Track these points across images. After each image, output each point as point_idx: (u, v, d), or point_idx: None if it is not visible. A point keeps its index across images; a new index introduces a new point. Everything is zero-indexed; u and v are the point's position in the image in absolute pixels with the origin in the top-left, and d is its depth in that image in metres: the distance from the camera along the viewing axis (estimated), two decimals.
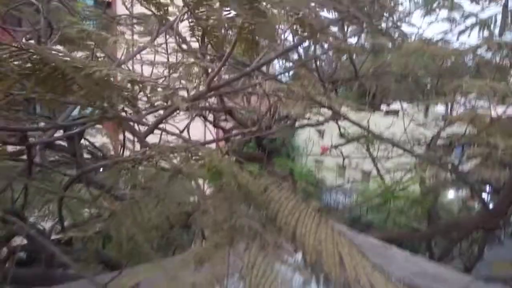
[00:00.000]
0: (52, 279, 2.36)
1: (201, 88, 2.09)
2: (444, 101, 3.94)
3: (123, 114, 1.83)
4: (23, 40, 2.59)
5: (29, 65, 0.84)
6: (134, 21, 3.71)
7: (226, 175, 1.04)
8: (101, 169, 2.49)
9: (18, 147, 2.33)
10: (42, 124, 2.98)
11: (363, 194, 10.09)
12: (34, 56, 0.84)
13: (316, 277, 1.69)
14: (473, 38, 4.89)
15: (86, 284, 1.31)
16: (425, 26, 4.70)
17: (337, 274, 0.76)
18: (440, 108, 6.82)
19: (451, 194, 7.93)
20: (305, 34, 1.81)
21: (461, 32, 4.68)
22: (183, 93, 2.64)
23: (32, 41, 2.48)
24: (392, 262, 1.70)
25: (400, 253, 1.80)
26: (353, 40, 4.37)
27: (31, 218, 3.44)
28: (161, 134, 1.82)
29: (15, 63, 0.97)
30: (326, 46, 4.70)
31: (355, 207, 9.30)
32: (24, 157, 2.23)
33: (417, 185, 5.76)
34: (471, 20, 4.53)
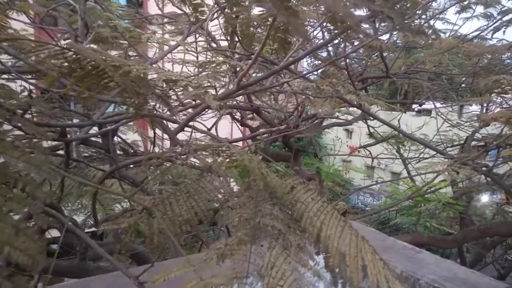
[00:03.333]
0: (85, 271, 2.46)
1: (230, 86, 2.11)
2: (479, 100, 3.80)
3: (155, 111, 1.88)
4: (62, 40, 2.70)
5: (67, 64, 0.88)
6: (165, 20, 3.78)
7: (253, 174, 1.05)
8: (133, 166, 2.56)
9: (54, 143, 2.43)
10: (76, 120, 3.10)
11: (392, 196, 9.88)
12: (75, 55, 0.88)
13: (337, 282, 1.68)
14: (510, 35, 4.67)
15: (118, 276, 1.35)
16: (460, 23, 4.53)
17: (359, 280, 0.75)
18: (475, 108, 6.58)
19: (485, 198, 7.65)
20: (336, 31, 1.79)
21: (496, 29, 4.49)
22: (212, 91, 2.68)
23: (69, 41, 2.57)
24: (422, 266, 1.66)
25: (430, 256, 1.76)
26: (384, 37, 4.29)
27: (65, 211, 3.59)
28: (191, 132, 1.86)
29: (54, 61, 1.02)
30: (356, 43, 4.64)
31: (384, 209, 9.11)
32: (59, 152, 2.33)
33: (449, 188, 5.59)
34: (508, 16, 4.34)
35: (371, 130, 5.28)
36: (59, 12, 3.43)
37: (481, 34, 4.67)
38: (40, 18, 3.09)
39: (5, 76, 2.06)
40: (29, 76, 2.28)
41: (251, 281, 0.81)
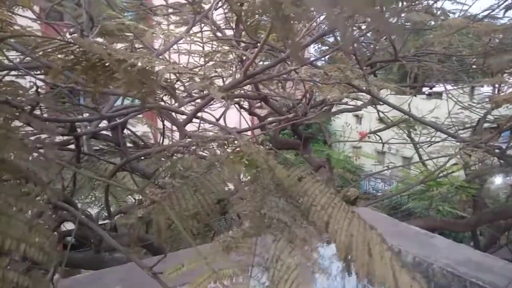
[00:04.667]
0: (101, 262, 2.50)
1: (237, 76, 2.10)
2: (491, 81, 3.72)
3: (163, 103, 1.88)
4: (67, 35, 2.70)
5: (72, 57, 0.89)
6: (170, 11, 3.76)
7: (261, 167, 1.05)
8: (144, 158, 2.58)
9: (65, 137, 2.46)
10: (86, 115, 3.12)
11: (403, 181, 9.81)
12: (79, 49, 0.88)
13: (350, 270, 1.68)
14: None
15: (132, 267, 1.37)
16: (470, 2, 4.42)
17: (365, 273, 0.75)
18: (486, 89, 6.46)
19: (498, 180, 7.55)
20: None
21: (508, 7, 4.36)
22: (219, 81, 2.67)
23: (75, 35, 2.58)
24: (435, 251, 1.65)
25: (443, 241, 1.75)
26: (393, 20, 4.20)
27: (78, 204, 3.64)
28: (199, 123, 1.86)
29: (60, 56, 1.02)
30: (364, 27, 4.56)
31: (396, 194, 9.06)
32: (70, 146, 2.35)
33: (461, 171, 5.53)
34: None
35: (381, 115, 5.22)
36: (64, 7, 3.44)
37: (491, 13, 4.55)
38: (46, 13, 3.10)
39: (14, 72, 2.08)
40: (38, 72, 2.30)
41: (256, 274, 0.82)
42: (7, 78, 1.83)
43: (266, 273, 0.77)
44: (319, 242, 0.86)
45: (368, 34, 5.46)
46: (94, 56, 0.87)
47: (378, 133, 5.53)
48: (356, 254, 0.73)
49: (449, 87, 5.53)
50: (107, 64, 0.89)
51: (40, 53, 1.00)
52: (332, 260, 1.59)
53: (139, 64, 0.99)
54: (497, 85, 5.10)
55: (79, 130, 2.33)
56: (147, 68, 1.05)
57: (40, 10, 3.22)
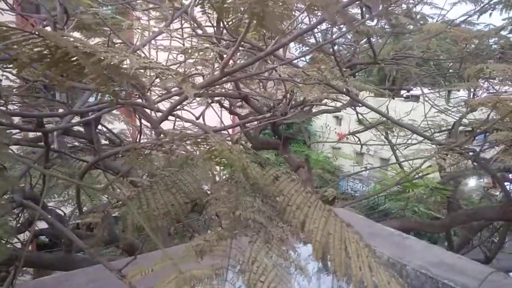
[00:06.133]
0: (71, 262, 2.42)
1: (215, 73, 2.06)
2: (467, 86, 3.80)
3: (140, 100, 1.83)
4: (40, 27, 2.61)
5: (38, 49, 0.84)
6: (150, 6, 3.69)
7: (234, 166, 1.02)
8: (119, 155, 2.51)
9: (38, 134, 2.37)
10: (60, 110, 3.02)
11: (380, 182, 9.96)
12: (46, 41, 0.83)
13: (327, 269, 1.67)
14: (497, 19, 4.66)
15: (101, 269, 1.32)
16: (447, 8, 4.52)
17: (343, 272, 0.73)
18: (462, 93, 6.62)
19: (472, 182, 7.75)
20: (322, 15, 1.75)
21: (482, 11, 4.48)
22: (199, 79, 2.63)
23: (48, 28, 2.49)
24: (409, 252, 1.66)
25: (417, 242, 1.76)
26: (372, 23, 4.25)
27: (51, 203, 3.53)
28: (174, 121, 1.82)
29: (27, 48, 0.97)
30: (344, 29, 4.59)
31: (373, 195, 9.20)
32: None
33: (437, 173, 5.64)
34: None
35: (360, 117, 5.27)
36: None
37: (468, 18, 4.66)
38: (18, 4, 2.99)
39: None
40: (10, 66, 2.20)
41: (232, 277, 0.79)
42: None
43: (241, 276, 0.75)
44: (296, 242, 0.84)
45: (349, 36, 5.51)
46: (61, 49, 0.83)
47: (356, 135, 5.59)
48: (333, 253, 0.71)
49: (426, 90, 5.64)
50: (74, 58, 0.84)
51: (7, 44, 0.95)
52: (308, 260, 1.58)
53: (108, 58, 0.94)
54: (472, 90, 5.22)
55: (50, 126, 2.25)
56: (114, 63, 1.00)
57: (14, 1, 3.10)
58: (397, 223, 4.95)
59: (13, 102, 2.76)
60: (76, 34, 2.98)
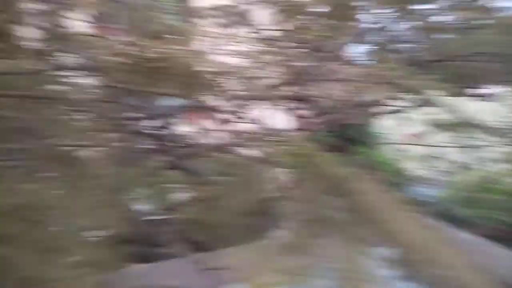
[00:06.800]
0: (153, 257, 2.56)
1: (283, 76, 2.10)
2: None
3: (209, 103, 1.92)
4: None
5: (136, 59, 0.92)
6: (214, 12, 3.82)
7: (310, 164, 1.03)
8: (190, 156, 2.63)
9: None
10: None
11: (453, 186, 9.33)
12: (138, 51, 0.91)
13: (406, 273, 1.62)
14: None
15: (182, 263, 1.41)
16: None
17: (429, 271, 0.71)
18: None
19: None
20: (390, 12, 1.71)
21: None
22: (265, 82, 2.67)
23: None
24: (494, 260, 1.56)
25: (502, 250, 1.65)
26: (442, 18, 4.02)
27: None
28: (245, 123, 1.87)
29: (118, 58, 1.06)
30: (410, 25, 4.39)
31: (444, 201, 8.64)
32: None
33: None
34: None
35: (429, 116, 5.01)
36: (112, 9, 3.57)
37: None
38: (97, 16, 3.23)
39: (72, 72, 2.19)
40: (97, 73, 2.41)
41: (319, 274, 0.80)
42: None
43: (331, 274, 0.76)
44: (376, 243, 0.84)
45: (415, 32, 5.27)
46: (154, 58, 0.90)
47: (425, 136, 5.31)
48: (419, 255, 0.70)
49: (503, 89, 5.21)
50: (167, 66, 0.91)
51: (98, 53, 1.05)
52: (383, 263, 1.54)
53: (191, 66, 1.01)
54: None
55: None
56: (196, 69, 1.07)
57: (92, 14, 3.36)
58: (476, 230, 4.63)
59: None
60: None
